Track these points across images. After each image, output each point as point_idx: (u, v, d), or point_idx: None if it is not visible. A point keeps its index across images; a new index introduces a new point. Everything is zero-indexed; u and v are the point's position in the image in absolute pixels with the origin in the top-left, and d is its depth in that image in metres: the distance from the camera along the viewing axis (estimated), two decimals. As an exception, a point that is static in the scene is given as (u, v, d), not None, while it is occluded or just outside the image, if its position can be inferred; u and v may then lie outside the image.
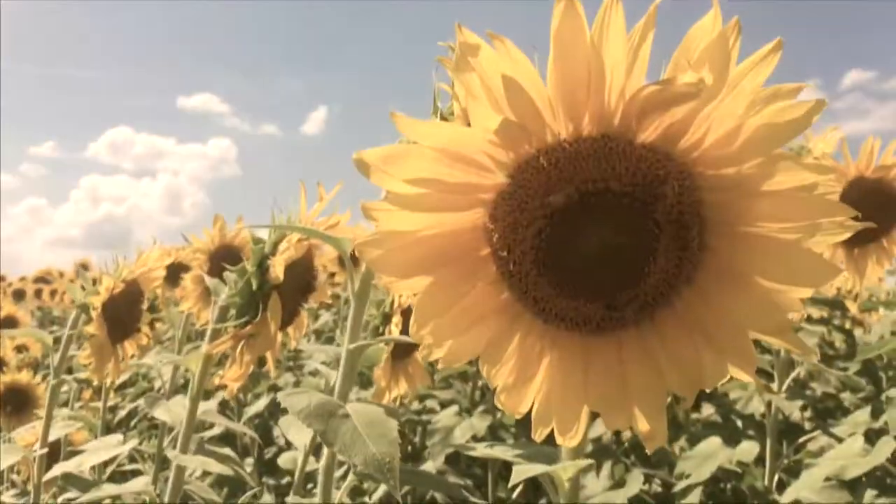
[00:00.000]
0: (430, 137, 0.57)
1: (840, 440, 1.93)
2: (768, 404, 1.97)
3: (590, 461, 0.70)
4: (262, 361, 1.18)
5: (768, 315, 0.59)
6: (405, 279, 0.63)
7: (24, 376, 2.44)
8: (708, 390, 0.64)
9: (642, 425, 0.63)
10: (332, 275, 3.87)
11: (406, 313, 1.39)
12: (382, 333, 1.39)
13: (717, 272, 0.61)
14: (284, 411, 0.83)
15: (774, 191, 0.56)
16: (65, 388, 2.41)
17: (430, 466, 2.35)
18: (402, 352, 1.47)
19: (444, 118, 0.82)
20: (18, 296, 7.51)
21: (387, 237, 0.61)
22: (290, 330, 1.20)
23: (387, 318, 1.42)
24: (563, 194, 0.58)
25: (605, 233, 0.59)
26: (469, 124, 0.57)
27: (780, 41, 0.54)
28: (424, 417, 2.77)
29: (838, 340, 2.87)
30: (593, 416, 0.66)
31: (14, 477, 2.15)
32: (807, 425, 2.39)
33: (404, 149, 0.57)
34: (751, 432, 2.31)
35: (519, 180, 0.59)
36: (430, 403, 2.89)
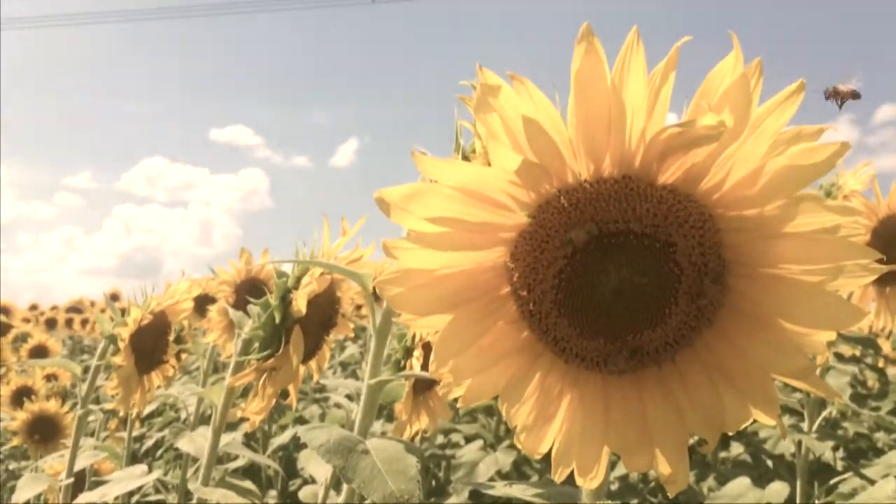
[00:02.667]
0: (451, 176, 0.57)
1: (872, 482, 1.88)
2: (798, 444, 1.93)
3: (611, 503, 0.69)
4: (285, 394, 1.18)
5: (790, 358, 0.58)
6: (425, 317, 0.64)
7: (53, 405, 2.46)
8: (731, 432, 0.63)
9: (663, 468, 0.62)
10: (359, 307, 3.88)
11: (427, 347, 1.38)
12: (404, 367, 1.39)
13: (739, 314, 0.60)
14: (305, 445, 0.83)
15: (797, 232, 0.55)
16: (92, 417, 2.43)
17: (454, 502, 2.33)
18: (424, 385, 1.47)
19: (465, 156, 0.83)
20: (50, 325, 7.61)
21: (407, 275, 0.61)
22: (312, 363, 1.21)
23: (408, 352, 1.41)
24: (583, 231, 0.58)
25: (626, 274, 0.59)
26: (490, 163, 0.57)
27: (802, 83, 0.54)
28: (448, 452, 2.75)
29: (871, 379, 2.82)
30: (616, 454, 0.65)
31: (40, 505, 2.16)
32: (839, 466, 2.34)
33: (424, 187, 0.58)
34: (781, 472, 2.26)
35: (540, 220, 0.59)
36: (454, 437, 2.87)
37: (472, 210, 0.59)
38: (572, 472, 0.64)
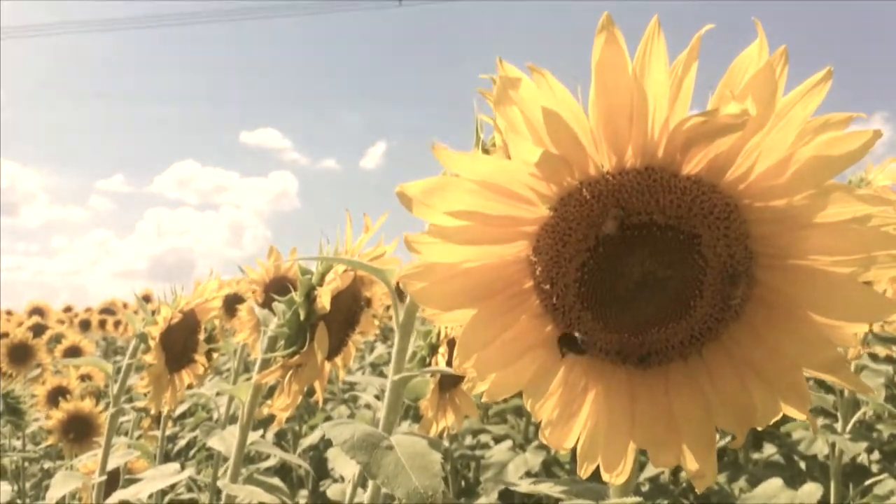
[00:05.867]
0: (472, 170, 0.57)
1: (908, 483, 1.85)
2: (832, 445, 1.90)
3: (638, 499, 0.68)
4: (311, 392, 1.18)
5: (820, 351, 0.57)
6: (448, 311, 0.63)
7: (87, 404, 2.49)
8: (760, 428, 0.61)
9: (690, 463, 0.61)
10: (388, 307, 3.88)
11: (452, 344, 1.38)
12: (429, 364, 1.38)
13: (767, 306, 0.59)
14: (331, 442, 0.83)
15: (826, 223, 0.54)
16: (125, 416, 2.46)
17: (483, 502, 2.33)
18: (450, 382, 1.46)
19: (485, 150, 0.82)
20: (84, 326, 7.70)
21: (430, 269, 0.61)
22: (338, 361, 1.21)
23: (434, 349, 1.41)
24: (610, 219, 0.57)
25: (649, 266, 0.58)
26: (510, 156, 0.57)
27: (830, 70, 0.52)
28: (478, 452, 2.75)
29: (907, 380, 2.76)
30: (646, 453, 0.64)
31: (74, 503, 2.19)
32: (874, 468, 2.30)
33: (445, 181, 0.57)
34: (815, 474, 2.23)
35: (562, 213, 0.59)
36: (483, 438, 2.87)
37: (494, 203, 0.58)
38: (599, 469, 0.64)
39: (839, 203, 0.53)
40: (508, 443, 2.51)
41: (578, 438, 0.64)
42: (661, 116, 0.54)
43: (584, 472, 0.64)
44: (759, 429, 0.62)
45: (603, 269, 0.59)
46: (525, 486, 0.82)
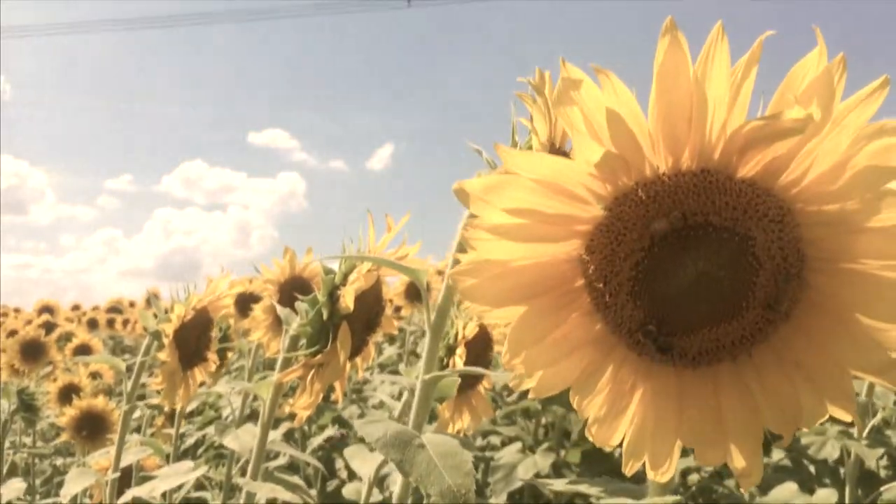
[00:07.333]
0: (531, 169, 0.58)
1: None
2: (846, 451, 1.90)
3: (677, 498, 0.68)
4: (327, 391, 1.18)
5: (870, 354, 0.57)
6: (498, 308, 0.64)
7: (100, 402, 2.50)
8: (807, 429, 0.62)
9: (737, 462, 0.62)
10: (398, 308, 3.88)
11: (470, 345, 1.38)
12: (447, 365, 1.38)
13: (817, 309, 0.60)
14: (342, 445, 0.82)
15: (878, 227, 0.55)
16: (137, 413, 2.46)
17: (492, 502, 2.33)
18: (467, 383, 1.46)
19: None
20: (92, 325, 7.68)
21: (483, 266, 0.62)
22: (357, 360, 1.21)
23: (451, 350, 1.40)
24: (665, 220, 0.58)
25: (703, 266, 0.59)
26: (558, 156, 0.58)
27: (886, 78, 0.53)
28: (487, 454, 2.75)
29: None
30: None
31: (86, 501, 2.19)
32: (882, 474, 2.30)
33: (505, 179, 0.58)
34: (824, 478, 2.23)
35: (616, 213, 0.59)
36: (492, 440, 2.87)
37: (551, 202, 0.59)
38: (617, 467, 0.64)
39: (892, 208, 0.54)
40: (518, 444, 2.51)
41: (624, 436, 0.65)
42: (719, 120, 0.55)
43: (630, 469, 0.65)
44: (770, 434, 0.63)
45: (657, 268, 0.60)
46: (559, 486, 0.82)
